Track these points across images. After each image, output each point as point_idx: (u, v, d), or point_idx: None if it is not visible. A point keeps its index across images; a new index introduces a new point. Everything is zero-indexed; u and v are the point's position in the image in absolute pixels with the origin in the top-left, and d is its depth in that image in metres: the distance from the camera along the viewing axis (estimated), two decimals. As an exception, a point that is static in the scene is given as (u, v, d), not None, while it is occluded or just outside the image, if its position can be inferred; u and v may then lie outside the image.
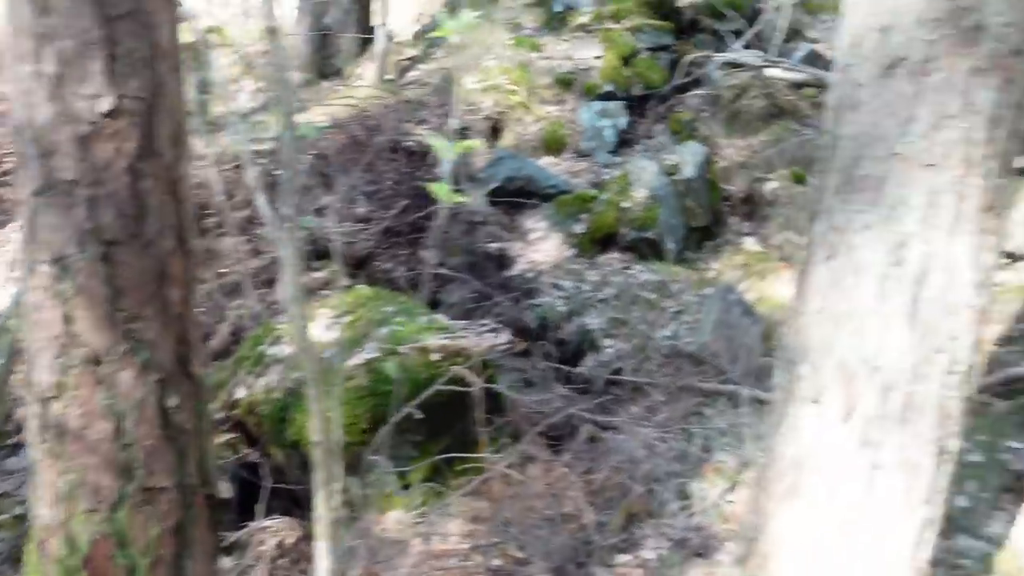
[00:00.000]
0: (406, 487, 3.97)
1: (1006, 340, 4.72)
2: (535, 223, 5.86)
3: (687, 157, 6.24)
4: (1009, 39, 2.14)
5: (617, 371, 5.00)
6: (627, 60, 6.95)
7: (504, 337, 4.05)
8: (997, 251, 2.41)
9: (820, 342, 2.50)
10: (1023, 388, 4.32)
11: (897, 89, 2.22)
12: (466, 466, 3.99)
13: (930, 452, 2.54)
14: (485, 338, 3.93)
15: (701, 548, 3.76)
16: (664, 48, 7.12)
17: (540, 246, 5.70)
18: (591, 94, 6.75)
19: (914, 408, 2.47)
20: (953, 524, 3.72)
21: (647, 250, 5.75)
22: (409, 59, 7.36)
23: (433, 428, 3.98)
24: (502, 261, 5.51)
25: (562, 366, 4.91)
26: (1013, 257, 5.43)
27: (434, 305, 5.00)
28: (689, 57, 6.76)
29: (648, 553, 3.74)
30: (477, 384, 3.77)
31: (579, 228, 5.83)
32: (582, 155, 6.49)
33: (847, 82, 2.33)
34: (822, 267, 2.46)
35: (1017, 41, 2.14)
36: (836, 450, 2.55)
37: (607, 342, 5.12)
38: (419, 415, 3.58)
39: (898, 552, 2.63)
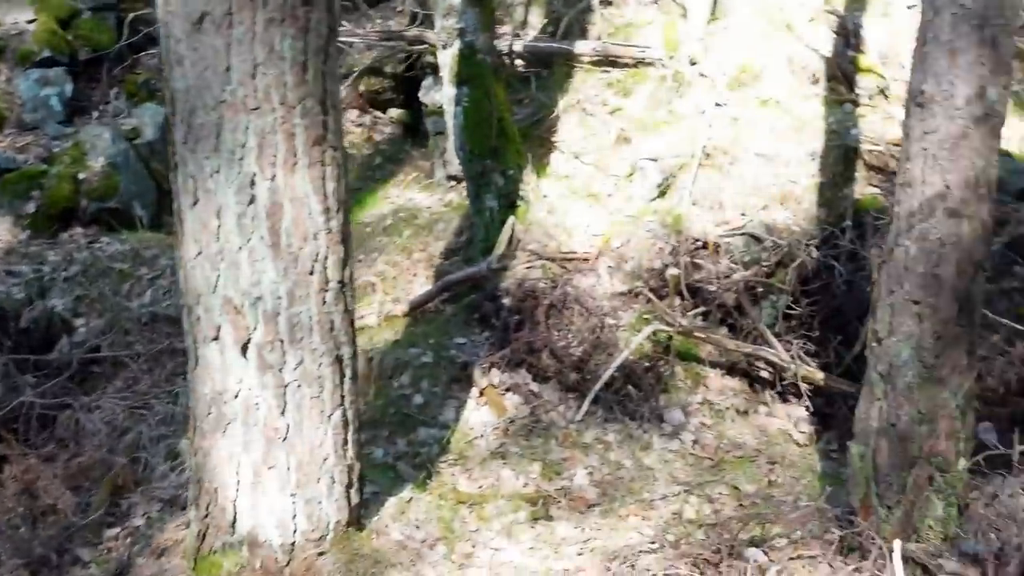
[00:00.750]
0: None
1: (449, 253, 5.37)
2: (-25, 206, 5.36)
3: (147, 119, 6.10)
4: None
5: (95, 349, 4.83)
6: (67, 22, 6.53)
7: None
8: (342, 179, 2.75)
9: (205, 283, 2.68)
10: (465, 292, 4.97)
11: (209, 42, 2.41)
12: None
13: (328, 363, 2.87)
14: None
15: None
16: (109, 7, 6.78)
17: (-15, 231, 5.24)
18: (27, 61, 6.24)
19: (302, 328, 2.77)
20: (413, 420, 4.22)
21: (114, 220, 5.56)
22: None
23: None
24: (-61, 256, 4.97)
25: (28, 356, 4.61)
26: (456, 179, 6.15)
27: None
28: (132, 15, 6.55)
29: (138, 520, 3.74)
30: None
31: (31, 207, 5.45)
32: (27, 128, 6.00)
33: (168, 37, 2.47)
34: (190, 214, 2.62)
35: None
36: (243, 379, 2.78)
37: (79, 321, 4.90)
38: None
39: (324, 456, 2.95)
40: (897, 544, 2.60)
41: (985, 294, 3.51)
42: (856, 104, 5.44)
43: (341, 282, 2.78)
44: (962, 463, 2.84)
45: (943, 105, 2.86)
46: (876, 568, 2.61)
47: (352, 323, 2.94)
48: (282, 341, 2.73)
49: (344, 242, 2.76)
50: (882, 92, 5.54)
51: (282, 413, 2.82)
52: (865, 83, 5.57)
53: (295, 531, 2.92)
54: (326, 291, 2.75)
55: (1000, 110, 2.88)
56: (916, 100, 2.96)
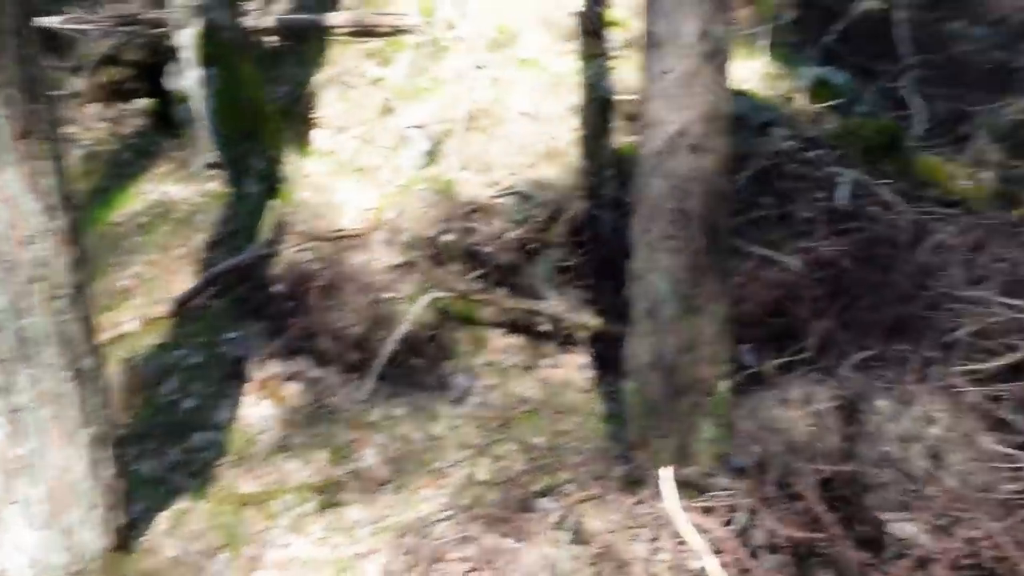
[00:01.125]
0: None
1: (213, 245, 5.05)
2: None
3: None
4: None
5: None
6: None
7: None
8: (62, 173, 2.48)
9: None
10: (234, 283, 4.70)
11: None
12: None
13: (68, 378, 2.59)
14: None
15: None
16: None
17: None
18: None
19: (32, 343, 2.48)
20: (185, 426, 3.94)
21: None
22: None
23: None
24: None
25: None
26: (215, 167, 5.79)
27: None
28: None
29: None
30: None
31: None
32: None
33: None
34: None
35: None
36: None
37: None
38: None
39: (76, 480, 2.68)
40: (664, 471, 2.69)
41: (736, 225, 3.71)
42: (608, 57, 5.59)
43: (76, 287, 2.51)
44: (724, 385, 2.98)
45: (674, 44, 2.95)
46: (653, 497, 2.69)
47: (93, 331, 2.67)
48: (9, 361, 2.44)
49: (75, 243, 2.49)
50: (630, 44, 5.72)
51: (15, 441, 2.52)
52: (615, 36, 5.74)
53: (51, 567, 2.64)
54: (57, 299, 2.47)
55: (725, 46, 3.00)
56: (651, 41, 3.04)
